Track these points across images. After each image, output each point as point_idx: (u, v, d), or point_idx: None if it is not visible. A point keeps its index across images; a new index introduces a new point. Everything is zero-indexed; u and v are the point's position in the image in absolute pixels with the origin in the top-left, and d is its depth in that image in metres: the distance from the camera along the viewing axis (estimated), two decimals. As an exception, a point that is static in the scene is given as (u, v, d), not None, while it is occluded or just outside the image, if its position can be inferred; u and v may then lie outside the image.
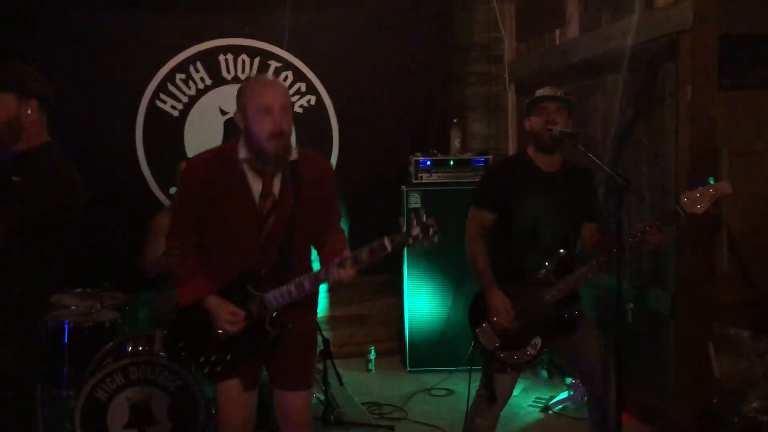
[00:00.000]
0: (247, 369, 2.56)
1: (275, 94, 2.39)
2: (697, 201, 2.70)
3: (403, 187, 4.87)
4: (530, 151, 3.00)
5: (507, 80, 5.42)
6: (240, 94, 2.43)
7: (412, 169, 4.89)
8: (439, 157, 4.94)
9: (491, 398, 2.93)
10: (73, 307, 3.85)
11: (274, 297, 2.44)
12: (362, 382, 4.79)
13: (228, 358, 2.50)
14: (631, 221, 3.54)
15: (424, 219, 2.30)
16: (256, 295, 2.45)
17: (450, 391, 4.57)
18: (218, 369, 2.50)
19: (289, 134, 2.42)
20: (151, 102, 4.79)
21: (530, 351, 2.89)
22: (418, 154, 4.93)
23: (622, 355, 2.79)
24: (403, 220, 2.42)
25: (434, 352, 4.88)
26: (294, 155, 2.46)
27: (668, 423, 3.75)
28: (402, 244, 2.31)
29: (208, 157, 2.54)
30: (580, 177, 3.01)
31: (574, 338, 2.94)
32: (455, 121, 5.16)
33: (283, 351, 2.54)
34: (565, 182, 2.94)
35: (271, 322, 2.47)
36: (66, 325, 3.65)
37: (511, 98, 5.43)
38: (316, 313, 2.78)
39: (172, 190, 4.78)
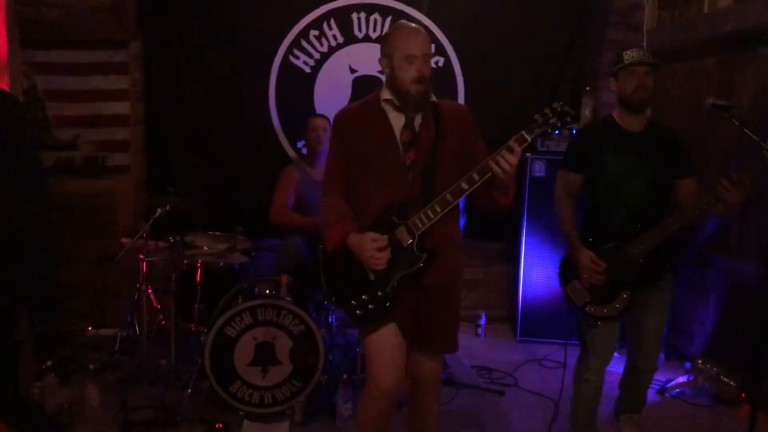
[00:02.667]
0: (399, 317, 2.55)
1: (420, 43, 2.51)
2: None
3: (528, 154, 4.77)
4: (616, 114, 3.08)
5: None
6: (386, 43, 2.57)
7: (537, 136, 4.78)
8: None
9: (585, 352, 3.10)
10: (206, 248, 4.08)
11: (419, 218, 2.47)
12: (471, 347, 4.81)
13: (379, 294, 2.52)
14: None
15: (560, 107, 2.39)
16: (402, 223, 2.50)
17: (560, 364, 4.49)
18: (370, 307, 2.52)
19: (430, 79, 2.53)
20: (285, 57, 4.92)
21: (619, 304, 2.98)
22: (546, 122, 4.80)
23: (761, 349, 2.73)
24: (539, 115, 2.45)
25: (546, 323, 4.82)
26: (434, 98, 2.60)
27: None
28: (540, 133, 2.41)
29: (353, 106, 2.68)
30: (666, 136, 3.05)
31: (647, 299, 3.03)
32: (588, 89, 4.98)
33: (428, 313, 2.58)
34: (650, 141, 3.00)
35: (419, 246, 2.50)
36: (199, 265, 3.88)
37: (647, 68, 5.16)
38: (460, 256, 2.71)
39: (300, 144, 4.93)
